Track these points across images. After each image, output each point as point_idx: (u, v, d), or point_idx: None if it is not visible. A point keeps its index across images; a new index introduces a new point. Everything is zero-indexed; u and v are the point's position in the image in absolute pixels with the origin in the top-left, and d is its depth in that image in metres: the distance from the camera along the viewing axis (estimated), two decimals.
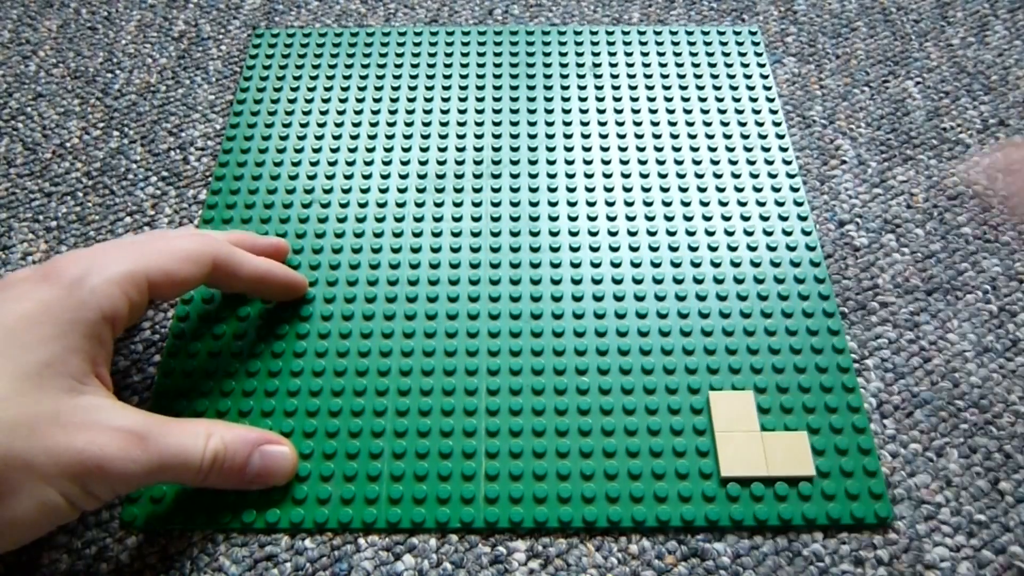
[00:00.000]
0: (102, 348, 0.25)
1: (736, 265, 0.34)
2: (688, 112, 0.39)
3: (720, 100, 0.40)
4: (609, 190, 0.36)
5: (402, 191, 0.37)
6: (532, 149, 0.38)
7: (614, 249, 0.34)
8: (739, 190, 0.36)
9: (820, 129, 0.39)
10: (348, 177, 0.37)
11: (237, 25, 0.45)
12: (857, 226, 0.36)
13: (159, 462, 0.24)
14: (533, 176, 0.37)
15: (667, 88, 0.40)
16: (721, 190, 0.36)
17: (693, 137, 0.38)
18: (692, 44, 0.42)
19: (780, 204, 0.36)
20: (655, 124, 0.39)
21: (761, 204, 0.36)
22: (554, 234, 0.35)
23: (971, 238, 0.35)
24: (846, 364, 0.31)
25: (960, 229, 0.35)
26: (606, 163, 0.37)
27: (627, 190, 0.36)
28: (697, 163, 0.37)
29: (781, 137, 0.38)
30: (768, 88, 0.40)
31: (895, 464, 0.29)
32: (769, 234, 0.35)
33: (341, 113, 0.40)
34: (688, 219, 0.35)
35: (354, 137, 0.39)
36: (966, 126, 0.39)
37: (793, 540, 0.27)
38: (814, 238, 0.35)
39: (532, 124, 0.39)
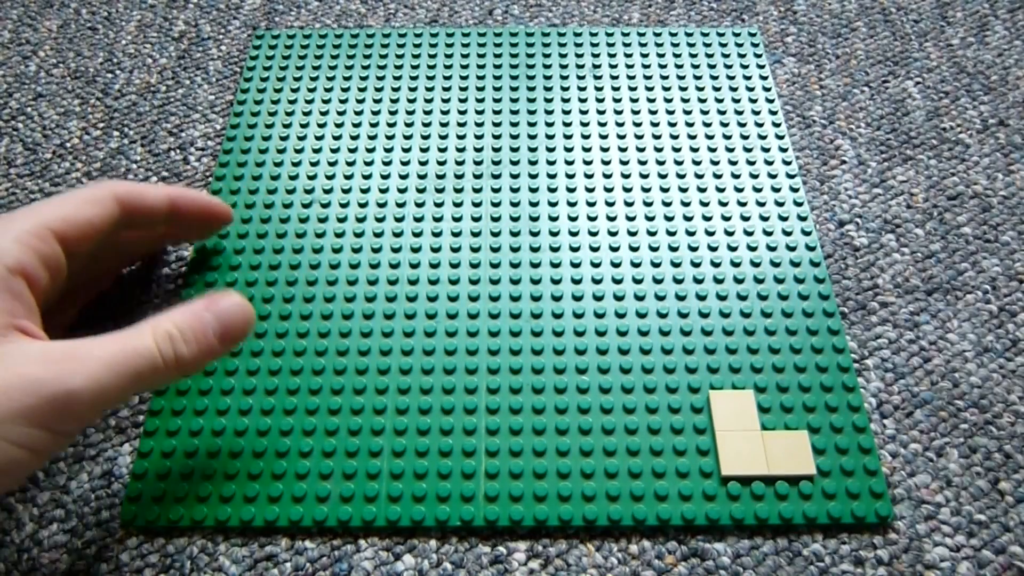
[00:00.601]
0: (16, 301, 0.24)
1: (736, 265, 0.34)
2: (688, 113, 0.39)
3: (720, 101, 0.40)
4: (609, 190, 0.36)
5: (402, 191, 0.37)
6: (532, 149, 0.38)
7: (614, 249, 0.34)
8: (739, 190, 0.36)
9: (820, 129, 0.39)
10: (348, 177, 0.37)
11: (237, 25, 0.45)
12: (857, 226, 0.36)
13: (109, 367, 0.23)
14: (533, 176, 0.37)
15: (667, 89, 0.40)
16: (721, 190, 0.36)
17: (693, 138, 0.38)
18: (692, 45, 0.42)
19: (780, 204, 0.36)
20: (655, 125, 0.39)
21: (761, 204, 0.36)
22: (554, 234, 0.35)
23: (971, 238, 0.35)
24: (846, 364, 0.31)
25: (960, 229, 0.35)
26: (606, 163, 0.37)
27: (627, 190, 0.36)
28: (697, 163, 0.37)
29: (781, 137, 0.38)
30: (768, 88, 0.40)
31: (895, 464, 0.29)
32: (769, 234, 0.35)
33: (341, 114, 0.40)
34: (688, 219, 0.35)
35: (354, 137, 0.39)
36: (966, 126, 0.39)
37: (793, 540, 0.27)
38: (814, 238, 0.35)
39: (532, 124, 0.39)
